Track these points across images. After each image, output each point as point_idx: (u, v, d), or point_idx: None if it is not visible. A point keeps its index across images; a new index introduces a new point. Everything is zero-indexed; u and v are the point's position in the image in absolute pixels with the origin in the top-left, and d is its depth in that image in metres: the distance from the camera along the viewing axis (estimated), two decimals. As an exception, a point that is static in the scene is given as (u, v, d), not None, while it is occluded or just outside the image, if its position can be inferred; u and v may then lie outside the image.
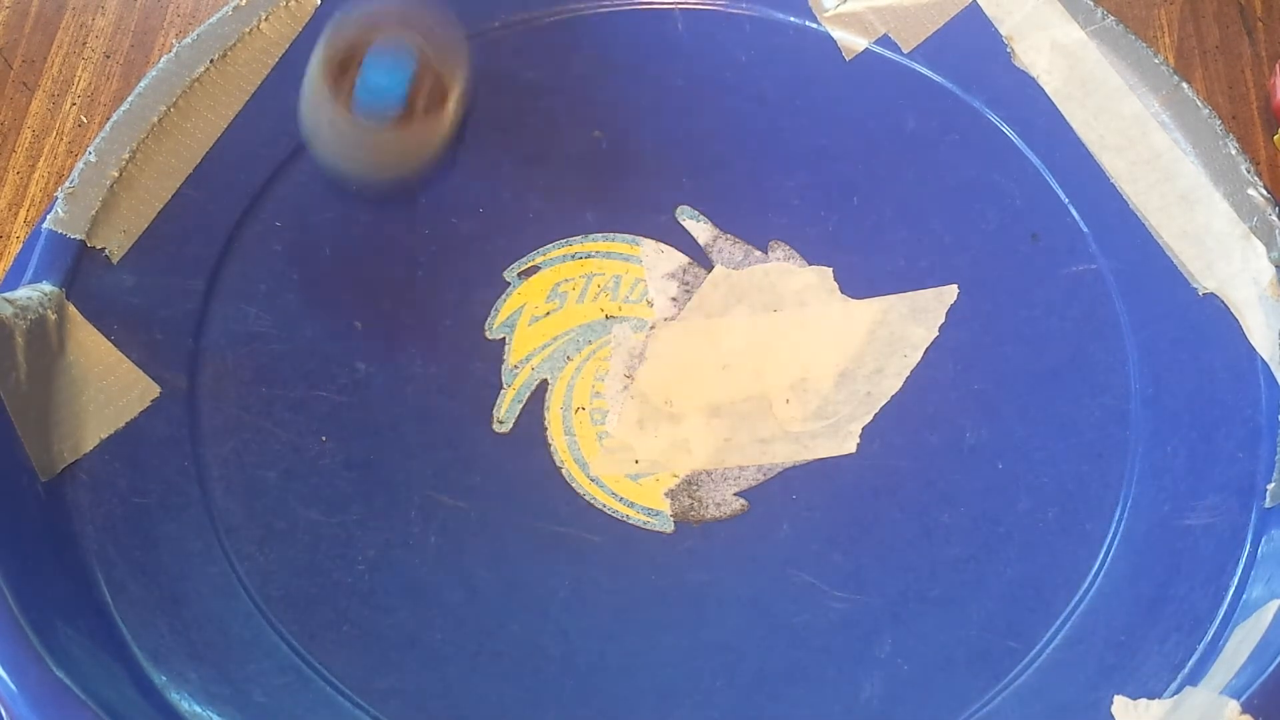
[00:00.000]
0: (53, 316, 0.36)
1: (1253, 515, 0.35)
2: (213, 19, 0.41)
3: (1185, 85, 0.39)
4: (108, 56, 0.52)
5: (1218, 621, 0.34)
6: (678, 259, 0.42)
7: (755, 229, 0.42)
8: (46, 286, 0.36)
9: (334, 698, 0.35)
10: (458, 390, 0.40)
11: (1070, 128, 0.41)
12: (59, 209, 0.37)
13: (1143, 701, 0.33)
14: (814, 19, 0.43)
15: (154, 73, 0.40)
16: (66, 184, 0.37)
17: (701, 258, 0.42)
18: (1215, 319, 0.38)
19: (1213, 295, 0.38)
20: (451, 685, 0.35)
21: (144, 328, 0.38)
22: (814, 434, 0.39)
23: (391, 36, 0.36)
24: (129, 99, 0.39)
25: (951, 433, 0.39)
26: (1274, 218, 0.37)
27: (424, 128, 0.37)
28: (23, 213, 0.49)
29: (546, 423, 0.39)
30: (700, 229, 0.42)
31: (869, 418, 0.39)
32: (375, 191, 0.40)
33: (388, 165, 0.38)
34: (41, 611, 0.31)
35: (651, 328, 0.41)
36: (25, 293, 0.36)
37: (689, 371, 0.40)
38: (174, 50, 0.40)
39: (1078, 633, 0.35)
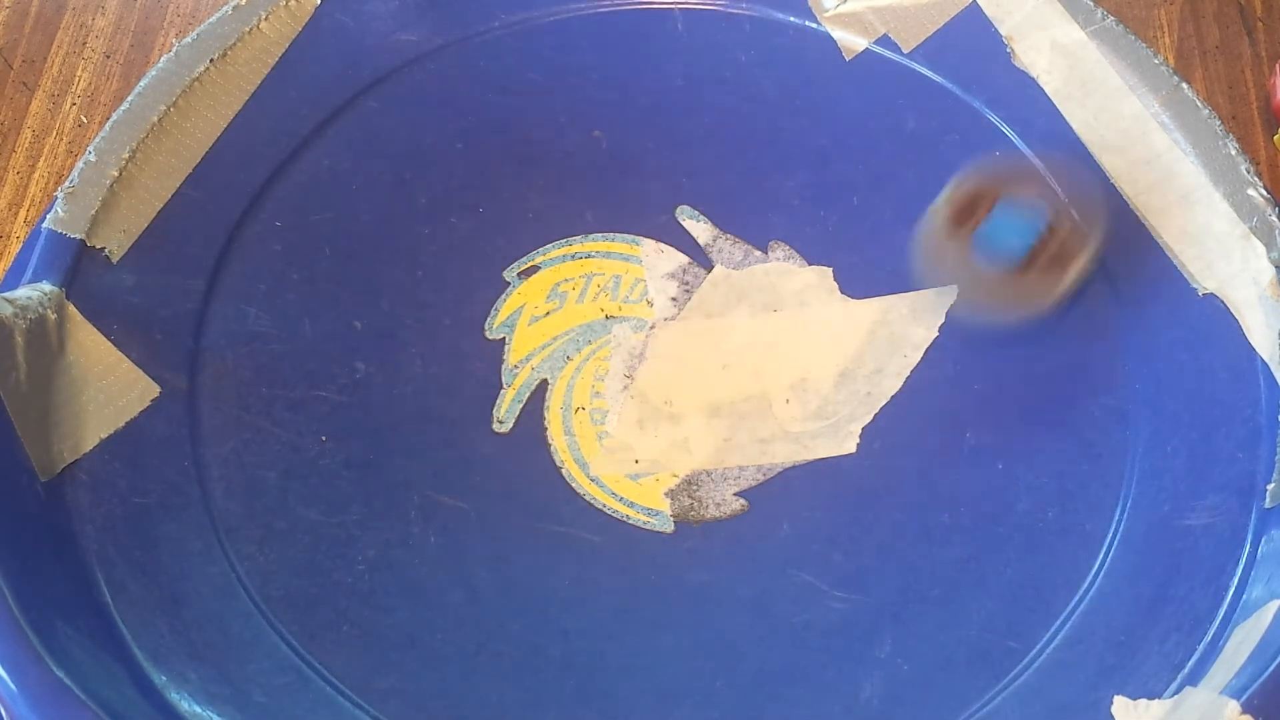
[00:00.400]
0: (53, 316, 0.36)
1: (1253, 515, 0.35)
2: (213, 19, 0.41)
3: (1185, 85, 0.39)
4: (108, 56, 0.52)
5: (1218, 621, 0.34)
6: (678, 259, 0.42)
7: (755, 229, 0.42)
8: (46, 286, 0.36)
9: (334, 698, 0.35)
10: (458, 390, 0.40)
11: (1070, 128, 0.41)
12: (59, 208, 0.37)
13: (1143, 701, 0.33)
14: (814, 19, 0.43)
15: (154, 72, 0.40)
16: (66, 183, 0.37)
17: (701, 258, 0.42)
18: (1215, 319, 0.38)
19: (1213, 295, 0.38)
20: (451, 685, 0.35)
21: (144, 327, 0.38)
22: (814, 434, 0.39)
23: (1029, 194, 0.37)
24: (129, 98, 0.39)
25: (952, 433, 0.39)
26: (1274, 218, 0.37)
27: (1038, 282, 0.37)
28: (23, 213, 0.49)
29: (546, 423, 0.39)
30: (700, 229, 0.42)
31: (869, 418, 0.39)
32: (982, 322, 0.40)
33: (991, 305, 0.38)
34: (41, 611, 0.31)
35: (651, 328, 0.41)
36: (25, 292, 0.36)
37: (689, 371, 0.40)
38: (174, 50, 0.40)
39: (1078, 633, 0.35)
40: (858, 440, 0.39)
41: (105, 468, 0.36)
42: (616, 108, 0.43)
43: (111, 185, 0.38)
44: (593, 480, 0.38)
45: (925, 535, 0.37)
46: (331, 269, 0.41)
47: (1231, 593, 0.34)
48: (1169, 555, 0.36)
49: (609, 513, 0.38)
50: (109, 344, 0.37)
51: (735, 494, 0.38)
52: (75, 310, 0.37)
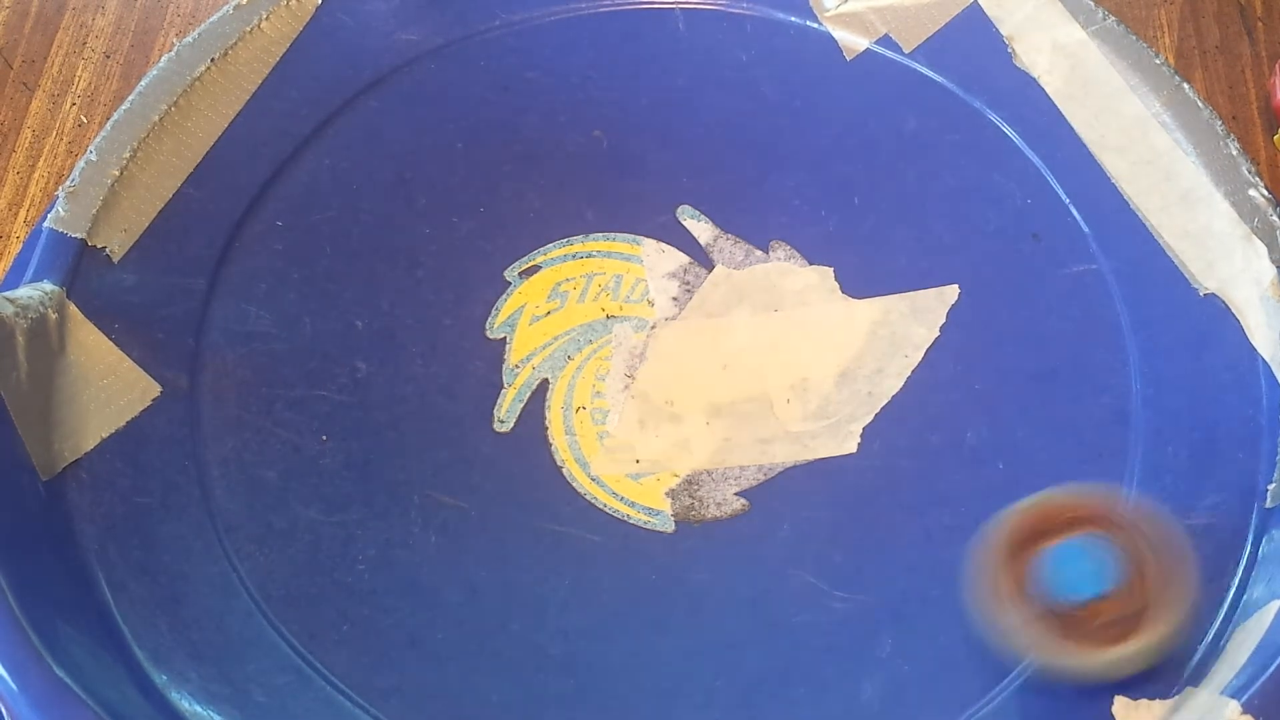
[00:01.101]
0: (53, 315, 0.36)
1: (1253, 515, 0.35)
2: (213, 18, 0.41)
3: (1186, 86, 0.39)
4: (108, 56, 0.52)
5: (1218, 621, 0.34)
6: (679, 258, 0.42)
7: (756, 229, 0.42)
8: (47, 285, 0.36)
9: (334, 698, 0.35)
10: (458, 390, 0.40)
11: (1071, 128, 0.41)
12: (60, 208, 0.37)
13: (1143, 701, 0.33)
14: (815, 19, 0.43)
15: (155, 72, 0.40)
16: (67, 183, 0.37)
17: (702, 257, 0.42)
18: (1216, 319, 0.38)
19: (1214, 295, 0.38)
20: (451, 685, 0.35)
21: (145, 327, 0.38)
22: (815, 434, 0.39)
23: (1104, 533, 0.31)
24: (130, 98, 0.39)
25: (952, 433, 0.38)
26: (1275, 218, 0.37)
27: (1092, 643, 0.31)
28: (23, 212, 0.49)
29: (547, 422, 0.39)
30: (701, 229, 0.42)
31: (870, 418, 0.39)
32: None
33: (1032, 649, 0.32)
34: (42, 611, 0.31)
35: (652, 327, 0.41)
36: (26, 292, 0.36)
37: (690, 371, 0.40)
38: (175, 49, 0.40)
39: (1078, 633, 0.35)
40: (858, 440, 0.39)
41: (106, 467, 0.36)
42: (617, 108, 0.43)
43: (112, 185, 0.38)
44: (593, 480, 0.38)
45: (925, 535, 0.37)
46: (332, 268, 0.41)
47: (1232, 593, 0.34)
48: (1169, 555, 0.36)
49: (609, 512, 0.38)
50: (110, 343, 0.37)
51: (736, 494, 0.38)
52: (76, 309, 0.37)
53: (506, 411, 0.39)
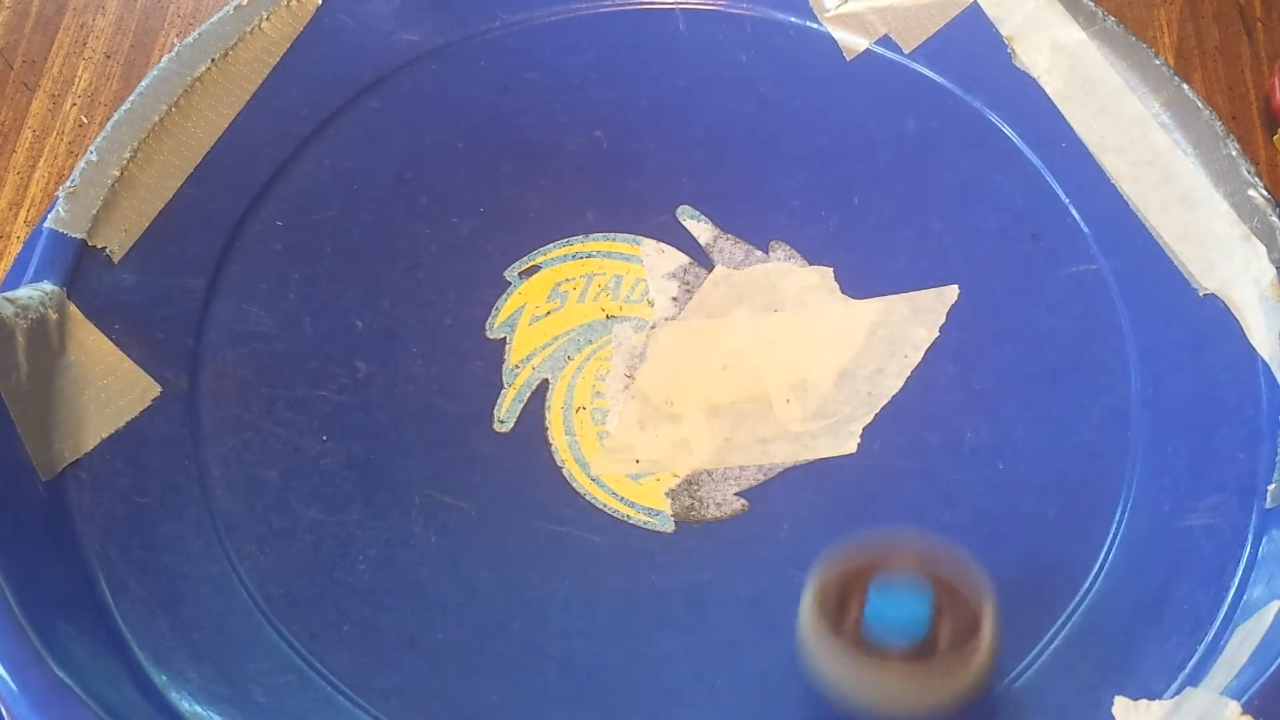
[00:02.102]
0: (54, 316, 0.36)
1: (1253, 515, 0.35)
2: (214, 18, 0.41)
3: (1186, 86, 0.39)
4: (108, 56, 0.52)
5: (1218, 622, 0.34)
6: (678, 259, 0.42)
7: (756, 229, 0.42)
8: (48, 286, 0.36)
9: (334, 698, 0.35)
10: (458, 390, 0.40)
11: (1071, 128, 0.41)
12: (60, 208, 0.37)
13: (1143, 702, 0.33)
14: (815, 19, 0.43)
15: (155, 72, 0.40)
16: (68, 183, 0.38)
17: (702, 257, 0.42)
18: (1216, 320, 0.38)
19: (1213, 296, 0.38)
20: (451, 685, 0.35)
21: (145, 327, 0.38)
22: (814, 434, 0.39)
23: (903, 568, 0.32)
24: (130, 98, 0.39)
25: (952, 433, 0.39)
26: (1275, 219, 0.37)
27: (949, 663, 0.32)
28: (23, 213, 0.49)
29: (547, 422, 0.39)
30: (701, 229, 0.42)
31: (869, 418, 0.39)
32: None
33: (904, 701, 0.32)
34: (42, 611, 0.31)
35: (652, 327, 0.41)
36: (26, 292, 0.36)
37: (690, 371, 0.40)
38: (175, 50, 0.40)
39: (1078, 633, 0.35)
40: (858, 440, 0.39)
41: (106, 467, 0.36)
42: (617, 108, 0.43)
43: (113, 185, 0.38)
44: (593, 480, 0.38)
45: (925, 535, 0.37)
46: (332, 269, 0.41)
47: (1232, 593, 0.34)
48: (1169, 555, 0.36)
49: (609, 512, 0.38)
50: (110, 343, 0.37)
51: (736, 494, 0.38)
52: (76, 310, 0.37)
53: (506, 411, 0.39)
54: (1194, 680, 0.33)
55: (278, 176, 0.41)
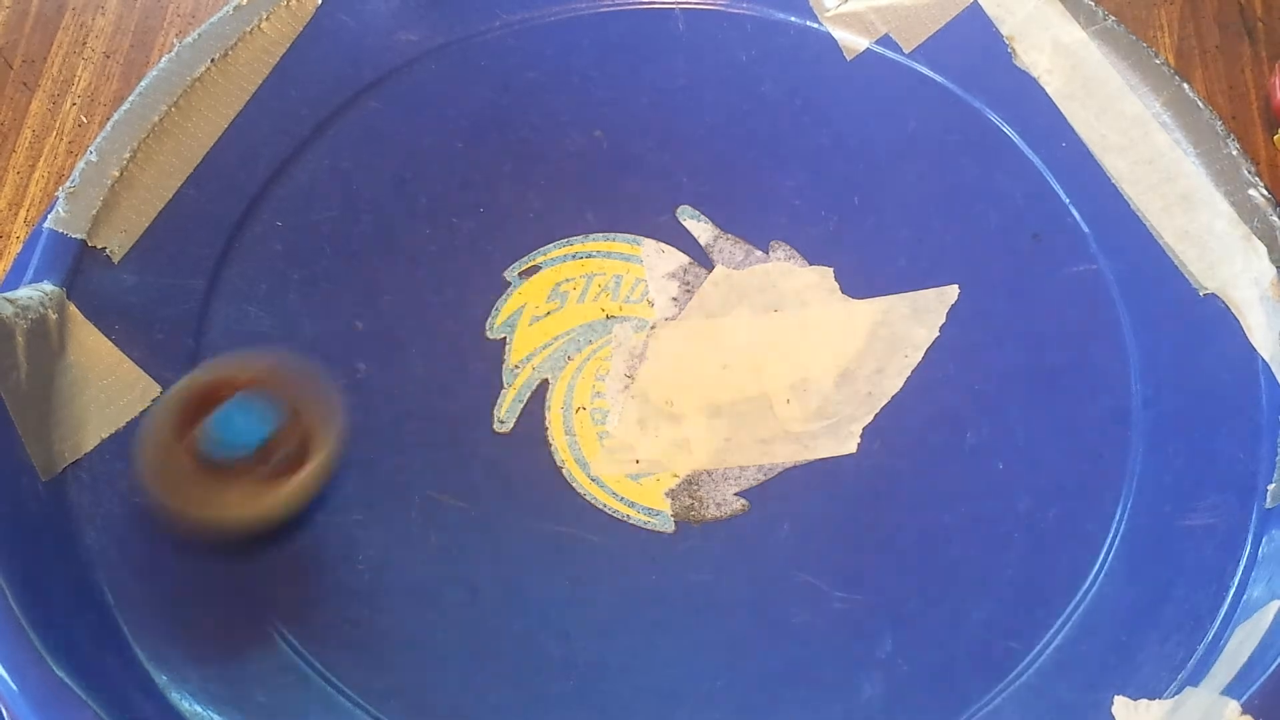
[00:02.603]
0: (54, 316, 0.36)
1: (1253, 515, 0.35)
2: (213, 19, 0.41)
3: (1186, 86, 0.39)
4: (108, 56, 0.52)
5: (1218, 622, 0.34)
6: (678, 259, 0.42)
7: (756, 229, 0.42)
8: (47, 286, 0.36)
9: (334, 698, 0.35)
10: (458, 390, 0.40)
11: (1071, 128, 0.41)
12: (60, 208, 0.37)
13: (1143, 702, 0.33)
14: (815, 19, 0.43)
15: (155, 72, 0.40)
16: (67, 183, 0.38)
17: (702, 257, 0.42)
18: (1216, 319, 0.38)
19: (1214, 296, 0.38)
20: (451, 685, 0.35)
21: (145, 327, 0.38)
22: (814, 434, 0.39)
23: (261, 387, 0.35)
24: (130, 98, 0.39)
25: (952, 433, 0.39)
26: (1275, 219, 0.37)
27: (269, 486, 0.34)
28: (23, 213, 0.49)
29: (547, 423, 0.39)
30: (701, 229, 0.42)
31: (870, 418, 0.39)
32: (203, 531, 0.35)
33: (216, 513, 0.34)
34: (42, 611, 0.31)
35: (652, 327, 0.41)
36: (26, 292, 0.36)
37: (690, 371, 0.40)
38: (175, 50, 0.40)
39: (1078, 633, 0.35)
40: (858, 440, 0.39)
41: (106, 468, 0.36)
42: (617, 108, 0.43)
43: (112, 185, 0.38)
44: (593, 480, 0.38)
45: (925, 535, 0.37)
46: (332, 269, 0.41)
47: (1232, 593, 0.34)
48: (1169, 555, 0.36)
49: (609, 513, 0.38)
50: (110, 344, 0.37)
51: (736, 494, 0.38)
52: (76, 310, 0.37)
53: (506, 412, 0.39)
54: (1194, 680, 0.33)
55: (277, 177, 0.41)
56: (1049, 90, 0.41)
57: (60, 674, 0.30)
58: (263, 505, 0.34)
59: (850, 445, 0.39)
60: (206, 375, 0.35)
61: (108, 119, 0.39)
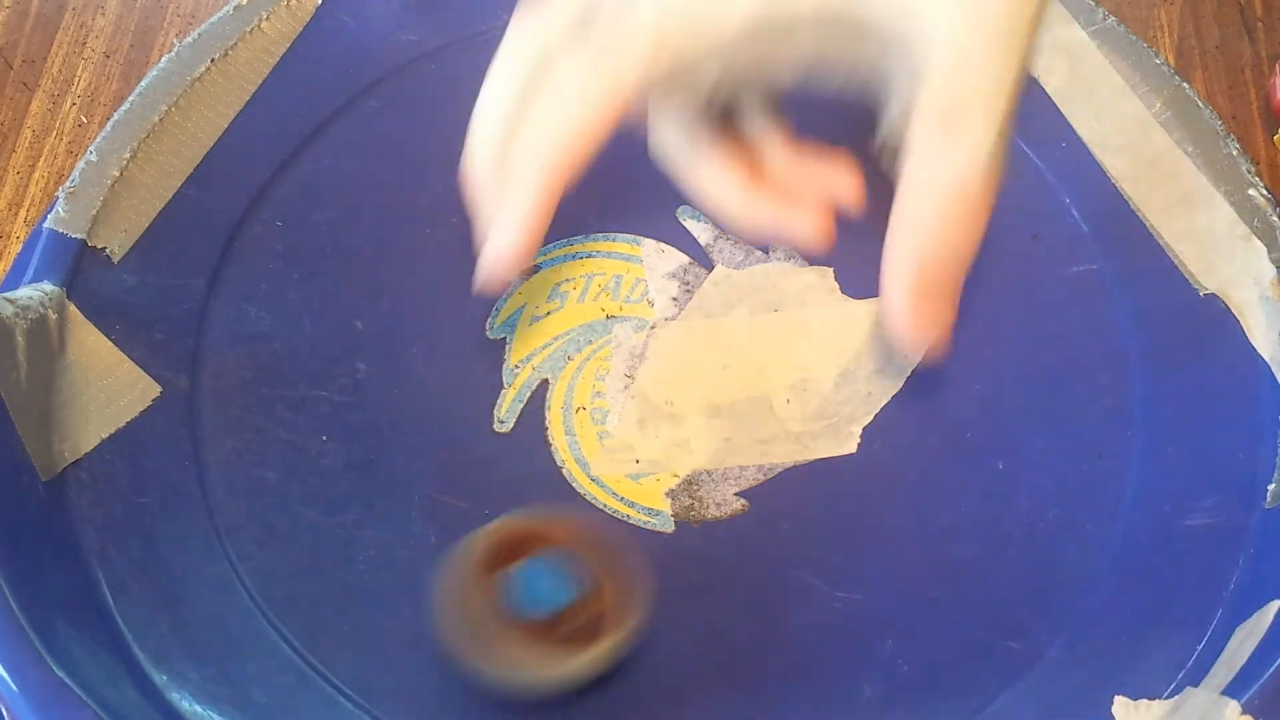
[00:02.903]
0: (53, 316, 0.36)
1: (1253, 515, 0.35)
2: (213, 18, 0.41)
3: (1186, 86, 0.39)
4: (108, 56, 0.52)
5: (1218, 622, 0.34)
6: (678, 259, 0.42)
7: (756, 229, 0.42)
8: (47, 286, 0.36)
9: (334, 698, 0.35)
10: (458, 390, 0.39)
11: (1071, 128, 0.41)
12: (60, 208, 0.37)
13: (1143, 702, 0.33)
14: (815, 19, 0.43)
15: (155, 72, 0.40)
16: (67, 183, 0.38)
17: (702, 258, 0.42)
18: (1216, 320, 0.38)
19: (1214, 296, 0.38)
20: (451, 685, 0.35)
21: (145, 327, 0.38)
22: (814, 434, 0.39)
23: (572, 549, 0.33)
24: (130, 98, 0.39)
25: (952, 433, 0.39)
26: (1275, 219, 0.37)
27: (560, 651, 0.33)
28: (23, 213, 0.49)
29: (547, 423, 0.39)
30: (701, 229, 0.42)
31: (869, 418, 0.39)
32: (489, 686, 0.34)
33: (493, 665, 0.33)
34: (42, 611, 0.31)
35: (652, 327, 0.41)
36: (26, 292, 0.36)
37: (689, 371, 0.40)
38: (175, 50, 0.40)
39: (1078, 633, 0.35)
40: (858, 440, 0.39)
41: (106, 468, 0.36)
42: (617, 108, 0.43)
43: (112, 185, 0.38)
44: (593, 480, 0.38)
45: (925, 535, 0.37)
46: (332, 269, 0.41)
47: (1232, 593, 0.34)
48: (1169, 555, 0.36)
49: (609, 512, 0.38)
50: (110, 344, 0.37)
51: (736, 494, 0.38)
52: (76, 310, 0.37)
53: (506, 412, 0.39)
54: (1194, 680, 0.33)
55: (277, 177, 0.41)
56: (1049, 90, 0.41)
57: (60, 674, 0.30)
58: (542, 670, 0.33)
59: (850, 445, 0.39)
60: (522, 522, 0.34)
61: (108, 119, 0.39)
